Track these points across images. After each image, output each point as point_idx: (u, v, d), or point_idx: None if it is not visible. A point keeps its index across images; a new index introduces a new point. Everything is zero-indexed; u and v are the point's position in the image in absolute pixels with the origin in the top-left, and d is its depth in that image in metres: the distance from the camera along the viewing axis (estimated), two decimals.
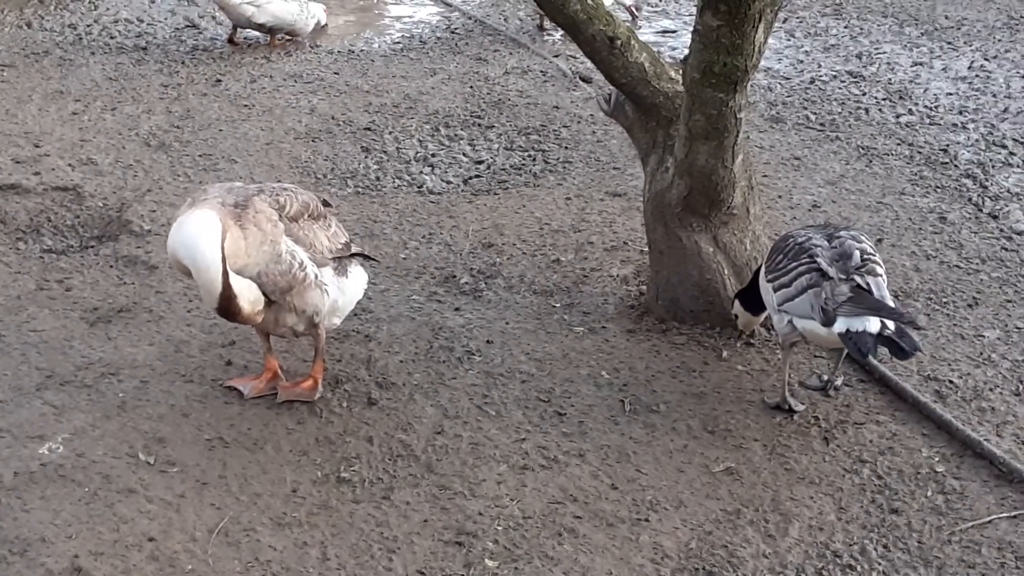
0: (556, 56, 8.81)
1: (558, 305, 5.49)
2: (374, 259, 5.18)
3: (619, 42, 5.17)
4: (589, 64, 8.26)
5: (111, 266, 5.71)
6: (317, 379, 4.75)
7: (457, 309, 5.45)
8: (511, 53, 8.91)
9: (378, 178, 6.82)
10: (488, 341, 5.18)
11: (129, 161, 6.84)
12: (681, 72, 5.12)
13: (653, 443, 4.51)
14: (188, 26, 9.30)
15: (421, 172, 6.90)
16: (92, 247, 5.91)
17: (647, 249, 5.48)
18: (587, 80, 8.26)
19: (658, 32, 9.64)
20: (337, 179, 6.78)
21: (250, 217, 4.30)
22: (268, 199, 4.41)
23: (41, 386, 4.73)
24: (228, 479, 4.26)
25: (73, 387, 4.73)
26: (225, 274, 4.14)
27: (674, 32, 9.67)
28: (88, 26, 9.17)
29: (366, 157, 7.08)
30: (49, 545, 3.90)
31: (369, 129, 7.47)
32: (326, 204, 4.81)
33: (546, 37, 9.34)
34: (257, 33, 8.98)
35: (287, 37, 9.06)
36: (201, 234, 4.15)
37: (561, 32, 9.06)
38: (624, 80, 5.25)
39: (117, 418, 4.55)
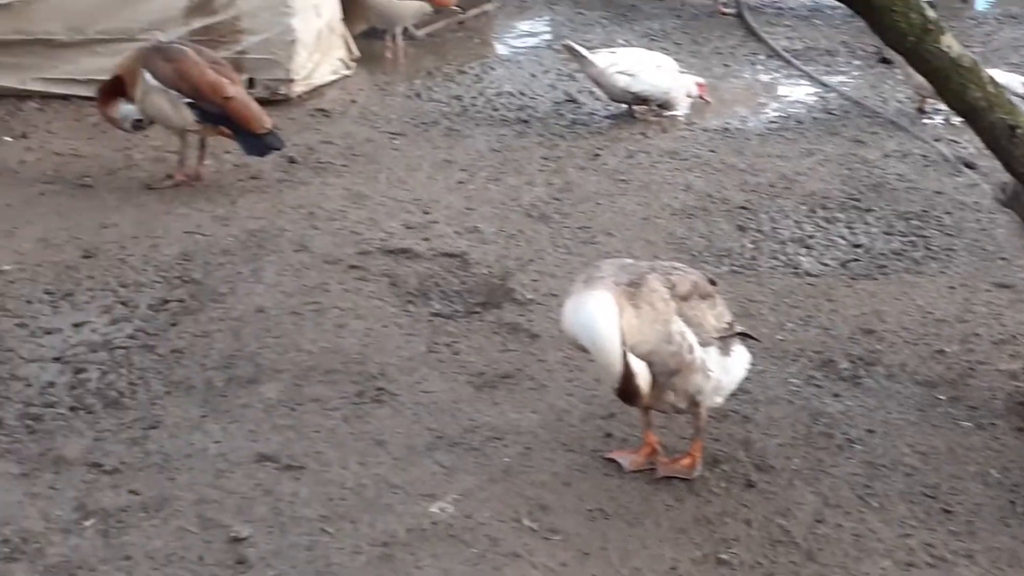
0: (937, 140, 8.61)
1: (942, 397, 5.34)
2: (756, 339, 5.17)
3: (1020, 131, 5.03)
4: (972, 149, 8.10)
5: (495, 332, 5.90)
6: (696, 457, 4.77)
7: (836, 395, 5.38)
8: (890, 136, 8.76)
9: (753, 257, 6.82)
10: (869, 430, 5.09)
11: (512, 231, 7.07)
12: None
13: None
14: (568, 100, 9.54)
15: (797, 253, 6.86)
16: (477, 313, 6.12)
17: None
18: (971, 166, 8.04)
19: None
20: (712, 257, 6.81)
21: (644, 295, 4.38)
22: (660, 277, 4.48)
23: (431, 446, 4.92)
24: (609, 551, 4.32)
25: (461, 449, 4.90)
26: (624, 356, 4.23)
27: None
28: (473, 98, 9.53)
29: (741, 236, 7.09)
30: None
31: (744, 208, 7.48)
32: (712, 283, 4.85)
33: (925, 121, 9.15)
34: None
35: (660, 110, 9.16)
36: (600, 317, 4.26)
37: (942, 116, 8.91)
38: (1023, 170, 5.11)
39: (502, 482, 4.69)
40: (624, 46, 10.42)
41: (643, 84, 8.94)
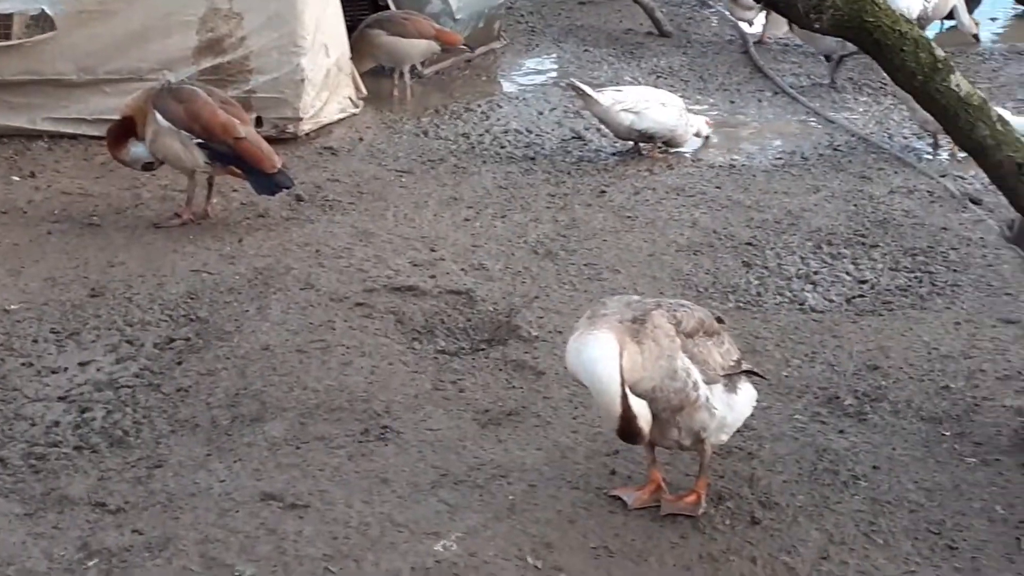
0: (943, 176, 8.62)
1: (948, 434, 5.34)
2: (763, 376, 5.17)
3: None
4: (978, 185, 8.12)
5: (500, 369, 5.90)
6: (701, 494, 4.76)
7: (841, 431, 5.38)
8: (896, 172, 8.77)
9: (759, 293, 6.83)
10: (874, 467, 5.08)
11: (518, 268, 7.08)
12: None
13: None
14: (574, 137, 9.57)
15: (803, 289, 6.87)
16: (482, 350, 6.12)
17: None
18: (977, 202, 8.04)
19: None
20: (718, 293, 6.82)
21: (648, 332, 4.39)
22: (666, 314, 4.50)
23: (436, 484, 4.92)
24: None
25: (466, 487, 4.90)
26: (624, 398, 4.23)
27: None
28: (480, 136, 9.56)
29: (747, 272, 7.10)
30: None
31: (750, 244, 7.48)
32: (720, 321, 4.85)
33: (931, 156, 9.16)
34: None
35: (666, 147, 9.18)
36: (601, 359, 4.27)
37: (947, 152, 8.93)
38: None
39: (507, 520, 4.68)
40: (631, 83, 10.46)
41: (647, 122, 8.95)
